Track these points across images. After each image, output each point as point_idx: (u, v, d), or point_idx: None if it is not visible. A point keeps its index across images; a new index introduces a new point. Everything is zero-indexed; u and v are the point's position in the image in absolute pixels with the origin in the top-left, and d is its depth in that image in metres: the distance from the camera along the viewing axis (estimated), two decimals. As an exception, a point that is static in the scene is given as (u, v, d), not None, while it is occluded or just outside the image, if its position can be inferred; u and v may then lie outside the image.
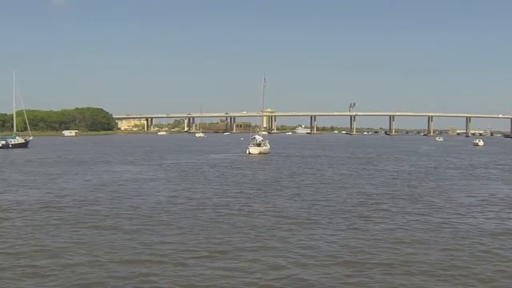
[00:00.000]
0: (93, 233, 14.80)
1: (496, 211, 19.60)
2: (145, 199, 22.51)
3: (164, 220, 17.26)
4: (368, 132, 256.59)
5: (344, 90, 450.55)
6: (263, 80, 71.29)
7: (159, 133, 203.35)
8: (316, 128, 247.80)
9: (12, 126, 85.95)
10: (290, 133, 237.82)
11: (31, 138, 77.01)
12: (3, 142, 67.69)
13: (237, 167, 41.84)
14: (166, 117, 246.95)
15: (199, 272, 10.86)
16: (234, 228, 15.68)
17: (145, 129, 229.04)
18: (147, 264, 11.51)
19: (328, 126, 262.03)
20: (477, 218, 18.03)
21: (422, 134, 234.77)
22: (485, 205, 21.19)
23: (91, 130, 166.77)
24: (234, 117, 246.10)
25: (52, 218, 17.16)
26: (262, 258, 12.16)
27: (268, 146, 60.35)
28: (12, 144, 68.50)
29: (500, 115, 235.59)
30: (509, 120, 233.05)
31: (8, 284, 10.33)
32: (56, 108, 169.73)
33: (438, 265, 11.67)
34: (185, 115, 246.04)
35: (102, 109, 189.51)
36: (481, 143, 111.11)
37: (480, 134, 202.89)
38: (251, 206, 20.29)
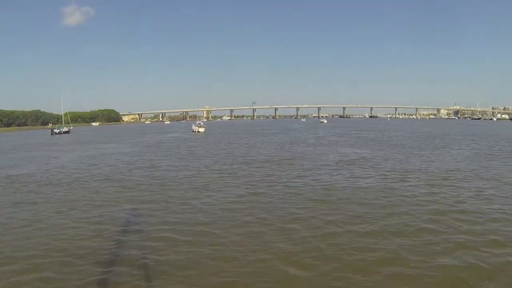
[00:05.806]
0: (83, 185, 14.11)
1: (346, 167, 17.41)
2: (125, 160, 21.78)
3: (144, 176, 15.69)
4: (262, 118, 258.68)
5: (249, 93, 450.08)
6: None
7: (145, 123, 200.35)
8: (234, 116, 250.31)
9: (62, 121, 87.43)
10: (219, 119, 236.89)
11: (71, 127, 79.21)
12: (57, 130, 68.52)
13: (187, 139, 43.53)
14: (149, 112, 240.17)
15: (177, 209, 9.97)
16: (177, 178, 14.93)
17: (138, 120, 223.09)
18: (133, 201, 10.97)
19: (240, 115, 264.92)
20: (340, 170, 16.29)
21: (294, 117, 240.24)
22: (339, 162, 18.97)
23: (108, 122, 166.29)
24: (188, 111, 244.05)
25: (68, 176, 16.31)
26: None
27: (205, 128, 64.22)
28: (62, 131, 69.25)
29: (338, 105, 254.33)
30: (342, 108, 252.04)
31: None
32: (87, 110, 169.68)
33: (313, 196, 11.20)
34: (160, 111, 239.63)
35: (113, 110, 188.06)
36: (325, 121, 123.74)
37: (326, 116, 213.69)
38: (188, 164, 19.40)
